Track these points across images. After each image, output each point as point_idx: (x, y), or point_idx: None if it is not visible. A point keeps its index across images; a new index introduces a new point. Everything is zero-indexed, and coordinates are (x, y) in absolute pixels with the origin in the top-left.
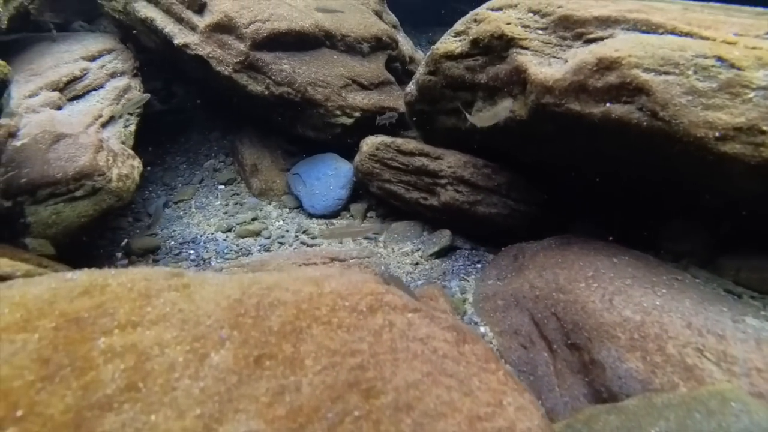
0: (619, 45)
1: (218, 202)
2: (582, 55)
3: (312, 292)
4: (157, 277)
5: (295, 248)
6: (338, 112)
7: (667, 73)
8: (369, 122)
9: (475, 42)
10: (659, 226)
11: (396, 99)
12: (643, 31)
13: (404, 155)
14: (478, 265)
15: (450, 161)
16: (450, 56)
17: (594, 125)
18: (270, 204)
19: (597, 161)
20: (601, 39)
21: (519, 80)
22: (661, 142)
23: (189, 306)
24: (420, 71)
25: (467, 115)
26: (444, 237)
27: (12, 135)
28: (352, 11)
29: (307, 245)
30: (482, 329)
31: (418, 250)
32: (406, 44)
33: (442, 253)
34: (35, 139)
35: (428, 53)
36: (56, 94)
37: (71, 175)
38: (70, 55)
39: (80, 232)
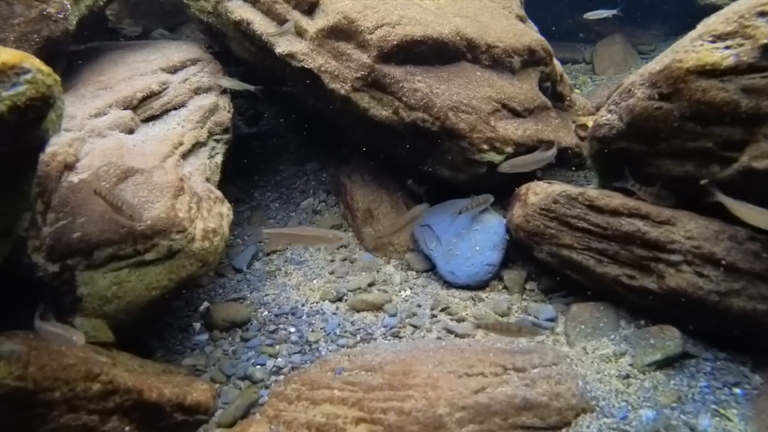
0: None
1: (321, 257)
2: None
3: None
4: None
5: (439, 335)
6: (485, 146)
7: None
8: None
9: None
10: None
11: (555, 129)
12: None
13: (601, 214)
14: (737, 390)
15: (690, 229)
16: (708, 72)
17: None
18: (389, 263)
19: None
20: None
21: None
22: None
23: None
24: (637, 94)
25: None
26: (670, 339)
27: (69, 167)
28: (494, 16)
29: (456, 334)
30: None
31: (624, 354)
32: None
33: (668, 363)
34: (97, 174)
35: (655, 69)
36: (128, 113)
37: (140, 231)
38: (147, 66)
39: (148, 308)
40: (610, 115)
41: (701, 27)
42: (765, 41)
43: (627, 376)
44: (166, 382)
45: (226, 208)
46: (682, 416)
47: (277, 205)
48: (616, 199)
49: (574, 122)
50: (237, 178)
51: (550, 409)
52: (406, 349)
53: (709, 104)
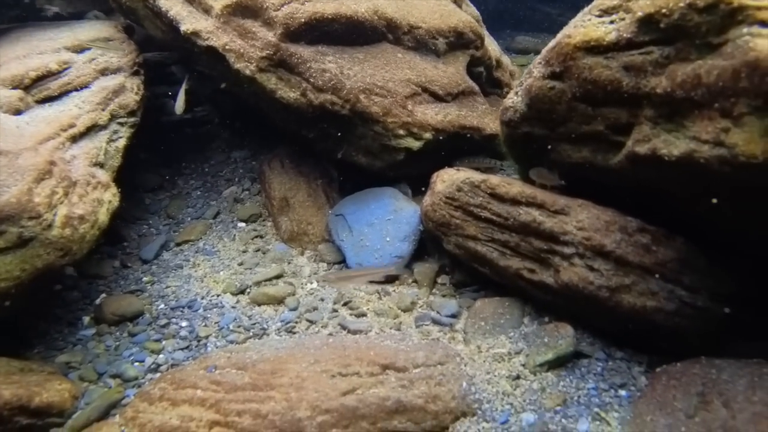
0: None
1: (234, 247)
2: None
3: None
4: None
5: (331, 332)
6: (402, 132)
7: None
8: (444, 146)
9: (646, 21)
10: None
11: (481, 115)
12: None
13: (502, 202)
14: (622, 392)
15: (581, 219)
16: (594, 48)
17: None
18: (302, 255)
19: None
20: None
21: (755, 86)
22: None
23: None
24: (534, 74)
25: None
26: (563, 337)
27: None
28: None
29: (348, 330)
30: None
31: (519, 353)
32: (492, 43)
33: (560, 363)
34: None
35: (549, 46)
36: (17, 92)
37: None
38: (50, 44)
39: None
40: (515, 97)
41: (594, 0)
42: (641, 14)
43: (517, 377)
44: (13, 383)
45: (109, 195)
46: (563, 420)
47: (198, 193)
48: (515, 187)
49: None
50: (162, 166)
51: (425, 413)
52: (288, 346)
53: (595, 83)
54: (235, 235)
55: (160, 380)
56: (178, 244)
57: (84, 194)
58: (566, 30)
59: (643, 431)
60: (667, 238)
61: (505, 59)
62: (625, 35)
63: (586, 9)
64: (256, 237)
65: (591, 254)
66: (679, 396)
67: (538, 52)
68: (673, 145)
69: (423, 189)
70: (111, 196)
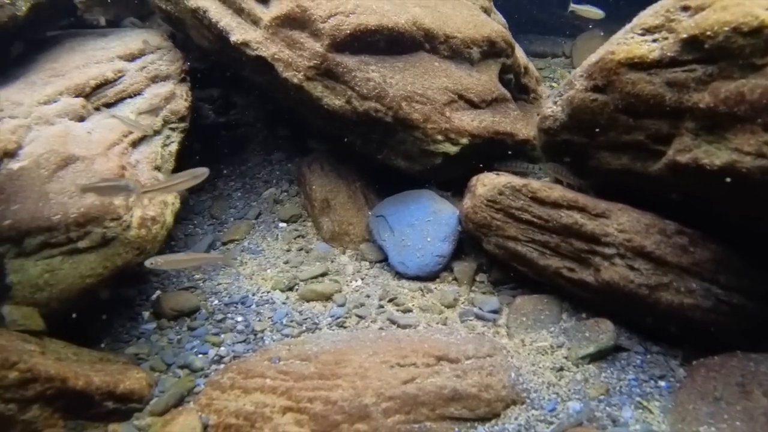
0: None
1: (278, 246)
2: None
3: None
4: None
5: (381, 326)
6: (440, 137)
7: None
8: (478, 151)
9: (691, 42)
10: None
11: (513, 121)
12: None
13: (543, 206)
14: (662, 383)
15: (622, 222)
16: (637, 65)
17: None
18: (344, 254)
19: None
20: None
21: None
22: None
23: None
24: (575, 86)
25: None
26: (604, 332)
27: (9, 155)
28: (456, 7)
29: (398, 324)
30: None
31: (561, 346)
32: (519, 50)
33: (601, 356)
34: (37, 161)
35: (591, 61)
36: (80, 101)
37: (73, 218)
38: (104, 53)
39: (83, 296)
40: (554, 107)
41: (635, 20)
42: (685, 35)
43: (561, 369)
44: (99, 371)
45: (171, 197)
46: (607, 408)
47: (239, 194)
48: (556, 191)
49: (538, 114)
50: (202, 167)
51: (479, 400)
52: (345, 339)
53: (638, 97)
54: (277, 234)
55: (226, 370)
56: (224, 243)
57: (152, 196)
58: (608, 47)
59: (686, 418)
60: (703, 239)
61: (531, 66)
62: (668, 54)
63: (627, 27)
64: (298, 237)
65: (632, 255)
66: (719, 387)
67: (555, 56)
68: (714, 155)
69: (451, 191)
70: (173, 199)
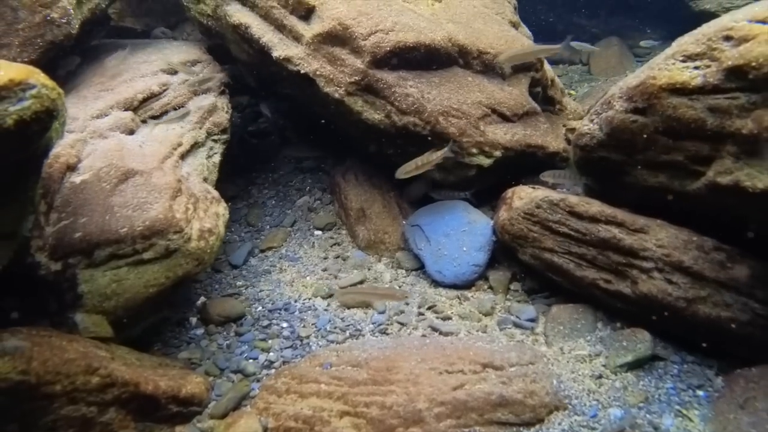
0: None
1: (315, 254)
2: None
3: None
4: None
5: (423, 333)
6: (475, 150)
7: None
8: (510, 163)
9: (735, 71)
10: None
11: (543, 134)
12: None
13: (581, 220)
14: (700, 393)
15: (661, 237)
16: (679, 90)
17: None
18: (380, 262)
19: None
20: None
21: None
22: None
23: None
24: (615, 107)
25: None
26: (641, 341)
27: (71, 168)
28: (487, 22)
29: (440, 332)
30: None
31: (598, 355)
32: (546, 64)
33: (638, 365)
34: (98, 175)
35: (632, 84)
36: (129, 114)
37: (139, 231)
38: (148, 67)
39: (146, 305)
40: (591, 125)
41: (675, 46)
42: (729, 64)
43: (600, 376)
44: (162, 375)
45: (222, 208)
46: (647, 416)
47: (273, 202)
48: (594, 206)
49: (564, 126)
50: (235, 176)
51: (524, 406)
52: (391, 346)
53: (679, 120)
54: (314, 242)
55: (279, 375)
56: (262, 251)
57: (206, 208)
58: (649, 71)
59: (727, 428)
60: (741, 256)
61: (557, 78)
62: (711, 81)
63: (668, 52)
64: (334, 244)
65: (670, 269)
66: (759, 397)
67: (573, 63)
68: (756, 178)
69: (478, 201)
70: (223, 210)
